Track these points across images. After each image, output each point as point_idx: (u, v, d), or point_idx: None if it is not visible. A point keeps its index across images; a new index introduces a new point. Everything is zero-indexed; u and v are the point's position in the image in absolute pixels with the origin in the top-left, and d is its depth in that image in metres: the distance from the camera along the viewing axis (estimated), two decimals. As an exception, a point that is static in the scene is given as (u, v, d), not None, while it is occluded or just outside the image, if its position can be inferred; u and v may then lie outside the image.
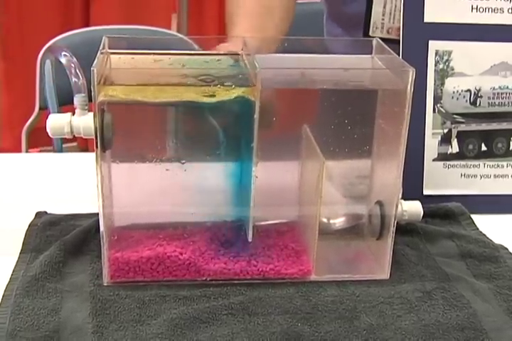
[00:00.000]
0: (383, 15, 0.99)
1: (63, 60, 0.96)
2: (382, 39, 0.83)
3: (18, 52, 2.40)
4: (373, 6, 1.00)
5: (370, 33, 1.00)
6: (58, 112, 1.64)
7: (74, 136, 0.77)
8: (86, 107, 0.76)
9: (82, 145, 2.26)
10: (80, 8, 2.48)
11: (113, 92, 0.71)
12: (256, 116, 0.72)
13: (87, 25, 2.36)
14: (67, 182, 1.01)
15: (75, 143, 2.04)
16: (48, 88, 1.59)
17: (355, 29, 1.03)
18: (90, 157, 0.73)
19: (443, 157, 0.97)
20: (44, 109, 1.75)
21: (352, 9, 1.07)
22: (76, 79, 0.73)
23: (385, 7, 0.99)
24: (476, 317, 0.72)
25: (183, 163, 0.76)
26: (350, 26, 1.09)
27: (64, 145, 1.72)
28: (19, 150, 1.87)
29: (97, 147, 0.72)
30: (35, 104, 1.78)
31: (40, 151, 1.94)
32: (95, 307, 0.72)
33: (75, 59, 0.75)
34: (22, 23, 2.40)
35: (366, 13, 1.00)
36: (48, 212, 0.90)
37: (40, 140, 1.68)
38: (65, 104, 1.65)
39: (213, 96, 0.73)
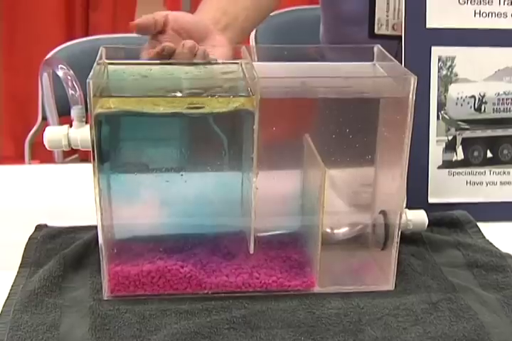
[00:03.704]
0: (387, 11, 0.97)
1: (60, 73, 0.95)
2: (389, 36, 0.81)
3: (21, 62, 2.40)
4: (376, 3, 0.98)
5: (376, 31, 0.98)
6: (58, 124, 1.64)
7: (72, 148, 0.77)
8: (83, 119, 0.75)
9: (83, 157, 2.25)
10: (81, 17, 2.48)
11: (110, 104, 0.70)
12: (255, 126, 0.71)
13: (88, 35, 2.36)
14: (69, 194, 1.00)
15: (76, 155, 2.02)
16: (46, 100, 1.59)
17: (357, 26, 1.02)
18: (91, 168, 0.72)
19: (448, 164, 0.95)
20: (47, 120, 1.74)
21: (352, 7, 1.06)
22: (73, 92, 0.73)
23: (388, 3, 0.97)
24: (484, 328, 0.71)
25: (182, 175, 0.75)
26: (350, 24, 1.08)
27: (65, 160, 1.72)
28: (22, 160, 1.87)
29: (94, 159, 0.71)
30: (37, 114, 1.78)
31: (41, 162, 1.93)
32: (95, 322, 0.70)
33: (71, 71, 0.74)
34: (24, 34, 2.40)
35: (370, 10, 0.99)
36: (49, 224, 0.89)
37: (43, 153, 1.68)
38: (66, 114, 1.64)
39: (212, 106, 0.71)
